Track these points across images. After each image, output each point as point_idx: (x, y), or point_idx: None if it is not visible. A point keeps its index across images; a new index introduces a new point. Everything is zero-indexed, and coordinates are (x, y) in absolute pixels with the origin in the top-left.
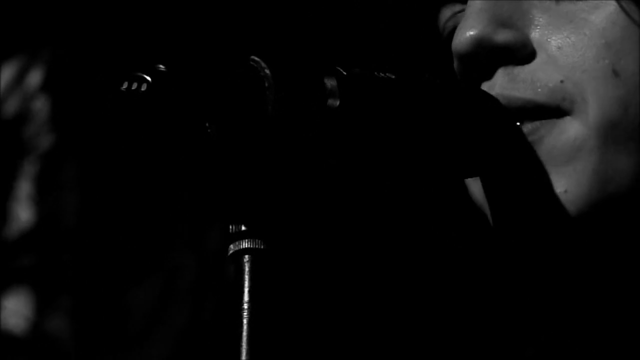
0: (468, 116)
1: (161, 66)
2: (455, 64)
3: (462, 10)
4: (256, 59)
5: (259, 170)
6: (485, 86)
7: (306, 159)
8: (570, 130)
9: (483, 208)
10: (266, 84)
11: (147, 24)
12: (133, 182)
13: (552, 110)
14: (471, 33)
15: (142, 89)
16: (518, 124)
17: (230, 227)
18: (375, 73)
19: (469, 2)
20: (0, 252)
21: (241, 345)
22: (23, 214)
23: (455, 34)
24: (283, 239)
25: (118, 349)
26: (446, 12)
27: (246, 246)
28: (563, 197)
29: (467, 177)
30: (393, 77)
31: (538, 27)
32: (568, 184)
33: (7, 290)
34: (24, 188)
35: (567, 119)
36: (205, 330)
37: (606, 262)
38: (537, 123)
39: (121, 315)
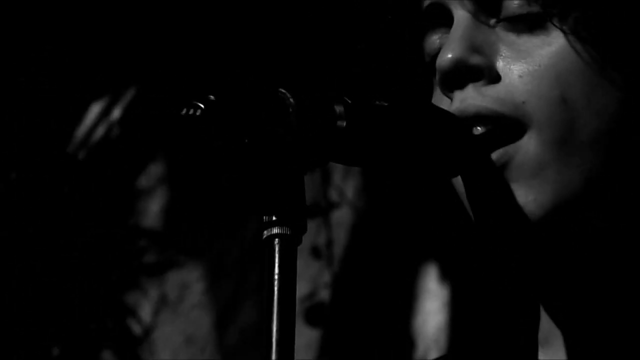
0: (434, 130)
1: (211, 96)
2: (437, 77)
3: (446, 34)
4: (283, 90)
5: (285, 174)
6: (459, 96)
7: (321, 167)
8: (531, 149)
9: (465, 205)
10: (290, 110)
11: (208, 66)
12: (193, 186)
13: (513, 121)
14: (451, 55)
15: (197, 114)
16: (476, 128)
17: (264, 217)
18: (372, 101)
19: (452, 31)
20: None
21: (273, 307)
22: None
23: (440, 54)
24: (304, 226)
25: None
26: (433, 36)
27: (276, 232)
28: (532, 204)
29: (445, 178)
30: (386, 104)
31: (502, 57)
32: (536, 193)
33: None
34: None
35: (526, 139)
36: (247, 301)
37: (574, 259)
38: (506, 148)
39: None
